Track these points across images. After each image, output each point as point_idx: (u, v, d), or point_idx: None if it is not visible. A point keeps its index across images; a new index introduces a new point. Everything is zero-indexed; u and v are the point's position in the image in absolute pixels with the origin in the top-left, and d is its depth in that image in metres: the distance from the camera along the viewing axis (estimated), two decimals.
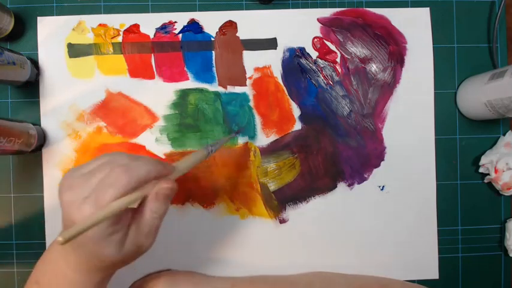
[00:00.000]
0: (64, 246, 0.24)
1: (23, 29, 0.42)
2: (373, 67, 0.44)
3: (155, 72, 0.43)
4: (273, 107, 0.44)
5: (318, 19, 0.44)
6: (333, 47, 0.44)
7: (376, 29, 0.44)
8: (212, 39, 0.43)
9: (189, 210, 0.43)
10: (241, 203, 0.43)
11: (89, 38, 0.43)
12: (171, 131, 0.43)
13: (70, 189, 0.26)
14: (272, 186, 0.43)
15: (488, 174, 0.43)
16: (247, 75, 0.43)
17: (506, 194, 0.43)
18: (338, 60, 0.44)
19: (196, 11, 0.43)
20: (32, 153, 0.41)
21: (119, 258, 0.27)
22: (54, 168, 0.42)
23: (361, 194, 0.44)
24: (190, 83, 0.43)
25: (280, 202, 0.43)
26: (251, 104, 0.43)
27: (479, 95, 0.41)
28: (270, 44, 0.44)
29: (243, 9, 0.44)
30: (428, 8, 0.44)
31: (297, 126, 0.44)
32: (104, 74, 0.43)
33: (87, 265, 0.28)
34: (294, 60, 0.44)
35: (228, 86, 0.43)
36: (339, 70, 0.44)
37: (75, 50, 0.42)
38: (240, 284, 0.40)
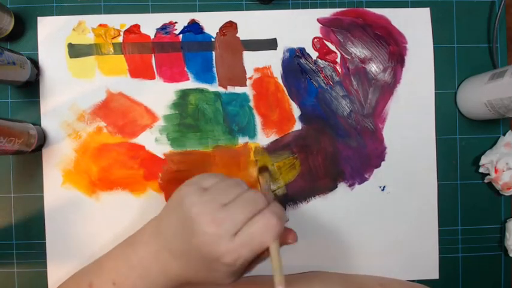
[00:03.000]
0: (165, 259, 0.29)
1: (23, 29, 0.42)
2: (373, 67, 0.44)
3: (155, 73, 0.43)
4: (273, 107, 0.44)
5: (317, 19, 0.44)
6: (333, 47, 0.44)
7: (376, 29, 0.44)
8: (212, 39, 0.43)
9: None
10: None
11: (89, 38, 0.43)
12: (170, 131, 0.43)
13: (215, 223, 0.27)
14: (272, 186, 0.43)
15: (488, 174, 0.43)
16: (248, 76, 0.43)
17: (506, 194, 0.43)
18: (338, 60, 0.44)
19: (196, 11, 0.43)
20: (32, 153, 0.41)
21: (226, 284, 0.29)
22: (54, 168, 0.42)
23: (361, 194, 0.44)
24: (191, 83, 0.43)
25: (280, 202, 0.43)
26: (251, 104, 0.43)
27: (479, 95, 0.41)
28: (270, 44, 0.44)
29: (243, 10, 0.44)
30: (428, 8, 0.44)
31: (297, 126, 0.44)
32: (105, 74, 0.43)
33: (188, 279, 0.30)
34: (294, 61, 0.44)
35: (228, 86, 0.43)
36: (339, 70, 0.44)
37: (75, 50, 0.43)
38: (240, 284, 0.40)
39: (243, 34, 0.43)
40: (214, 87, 0.43)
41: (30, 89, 0.42)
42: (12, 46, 0.42)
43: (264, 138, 0.43)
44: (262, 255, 0.29)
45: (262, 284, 0.40)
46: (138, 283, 0.30)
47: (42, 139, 0.41)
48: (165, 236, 0.30)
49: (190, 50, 0.43)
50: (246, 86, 0.43)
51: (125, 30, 0.43)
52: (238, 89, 0.43)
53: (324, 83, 0.44)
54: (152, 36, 0.43)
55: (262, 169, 0.41)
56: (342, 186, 0.44)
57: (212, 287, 0.30)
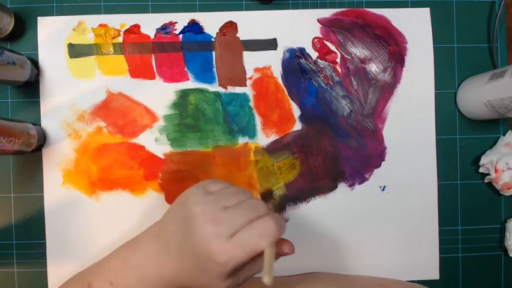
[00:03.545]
0: (162, 260, 0.29)
1: (23, 29, 0.42)
2: (373, 67, 0.44)
3: (156, 73, 0.43)
4: (273, 107, 0.44)
5: (318, 19, 0.44)
6: (333, 48, 0.44)
7: (376, 29, 0.44)
8: (212, 39, 0.43)
9: None
10: None
11: (89, 38, 0.43)
12: (170, 131, 0.43)
13: (214, 222, 0.27)
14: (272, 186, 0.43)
15: (488, 174, 0.43)
16: (248, 76, 0.43)
17: (506, 194, 0.43)
18: (338, 60, 0.44)
19: (196, 11, 0.43)
20: (32, 153, 0.41)
21: None
22: (54, 168, 0.42)
23: (362, 194, 0.44)
24: (191, 83, 0.43)
25: (280, 202, 0.43)
26: (251, 104, 0.43)
27: (479, 95, 0.41)
28: (270, 44, 0.44)
29: (243, 10, 0.44)
30: (428, 8, 0.44)
31: (297, 126, 0.44)
32: (105, 74, 0.43)
33: (183, 283, 0.30)
34: (294, 61, 0.44)
35: (228, 86, 0.43)
36: (339, 70, 0.44)
37: (75, 50, 0.43)
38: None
39: (243, 34, 0.43)
40: (214, 87, 0.43)
41: (30, 89, 0.42)
42: (12, 46, 0.42)
43: (264, 138, 0.43)
44: (256, 265, 0.29)
45: (262, 284, 0.40)
46: (133, 283, 0.30)
47: (42, 139, 0.41)
48: (165, 234, 0.30)
49: (190, 50, 0.43)
50: (246, 86, 0.43)
51: (125, 30, 0.43)
52: (238, 89, 0.43)
53: (324, 83, 0.44)
54: (152, 36, 0.43)
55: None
56: (342, 186, 0.44)
57: None
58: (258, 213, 0.28)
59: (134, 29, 0.43)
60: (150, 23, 0.43)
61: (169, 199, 0.42)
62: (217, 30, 0.43)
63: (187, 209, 0.28)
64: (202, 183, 0.31)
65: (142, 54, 0.43)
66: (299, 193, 0.43)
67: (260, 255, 0.27)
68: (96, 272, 0.33)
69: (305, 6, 0.44)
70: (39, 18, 0.42)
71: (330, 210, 0.44)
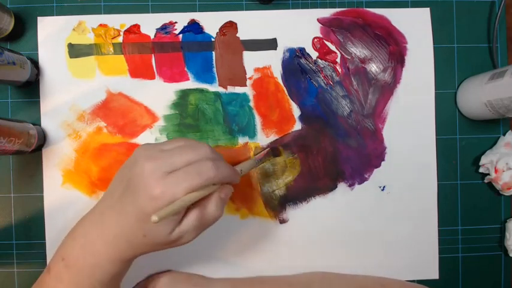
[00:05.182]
0: (105, 219, 0.29)
1: (23, 29, 0.42)
2: (374, 67, 0.44)
3: (156, 73, 0.43)
4: (273, 107, 0.44)
5: (318, 19, 0.44)
6: (333, 47, 0.44)
7: (376, 29, 0.44)
8: (212, 39, 0.43)
9: None
10: (241, 202, 0.43)
11: (89, 38, 0.43)
12: (171, 131, 0.43)
13: (151, 159, 0.28)
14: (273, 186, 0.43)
15: (488, 174, 0.43)
16: (248, 76, 0.43)
17: (506, 194, 0.43)
18: (338, 60, 0.44)
19: (196, 11, 0.43)
20: (32, 153, 0.41)
21: (161, 242, 0.29)
22: (54, 168, 0.42)
23: (361, 194, 0.44)
24: (191, 83, 0.43)
25: (280, 202, 0.43)
26: (251, 104, 0.43)
27: (479, 95, 0.41)
28: (270, 44, 0.44)
29: (243, 10, 0.44)
30: (428, 8, 0.44)
31: (297, 126, 0.44)
32: (105, 74, 0.43)
33: (126, 240, 0.30)
34: (294, 61, 0.44)
35: (228, 86, 0.43)
36: (339, 70, 0.44)
37: (75, 50, 0.43)
38: (240, 286, 0.40)
39: (243, 34, 0.43)
40: (214, 87, 0.43)
41: (30, 89, 0.42)
42: (12, 46, 0.42)
43: (264, 138, 0.43)
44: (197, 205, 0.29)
45: (274, 284, 0.40)
46: (80, 255, 0.30)
47: (42, 139, 0.41)
48: (109, 191, 0.31)
49: (190, 50, 0.43)
50: (246, 86, 0.43)
51: (125, 30, 0.43)
52: (238, 89, 0.43)
53: (324, 83, 0.44)
54: (152, 36, 0.43)
55: (274, 150, 0.43)
56: (342, 186, 0.44)
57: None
58: (198, 157, 0.29)
59: (134, 29, 0.43)
60: (150, 23, 0.43)
61: None
62: (217, 30, 0.43)
63: (133, 155, 0.30)
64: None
65: (142, 54, 0.43)
66: (299, 193, 0.43)
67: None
68: (53, 254, 0.33)
69: (305, 6, 0.44)
70: (39, 18, 0.42)
71: (330, 210, 0.44)
